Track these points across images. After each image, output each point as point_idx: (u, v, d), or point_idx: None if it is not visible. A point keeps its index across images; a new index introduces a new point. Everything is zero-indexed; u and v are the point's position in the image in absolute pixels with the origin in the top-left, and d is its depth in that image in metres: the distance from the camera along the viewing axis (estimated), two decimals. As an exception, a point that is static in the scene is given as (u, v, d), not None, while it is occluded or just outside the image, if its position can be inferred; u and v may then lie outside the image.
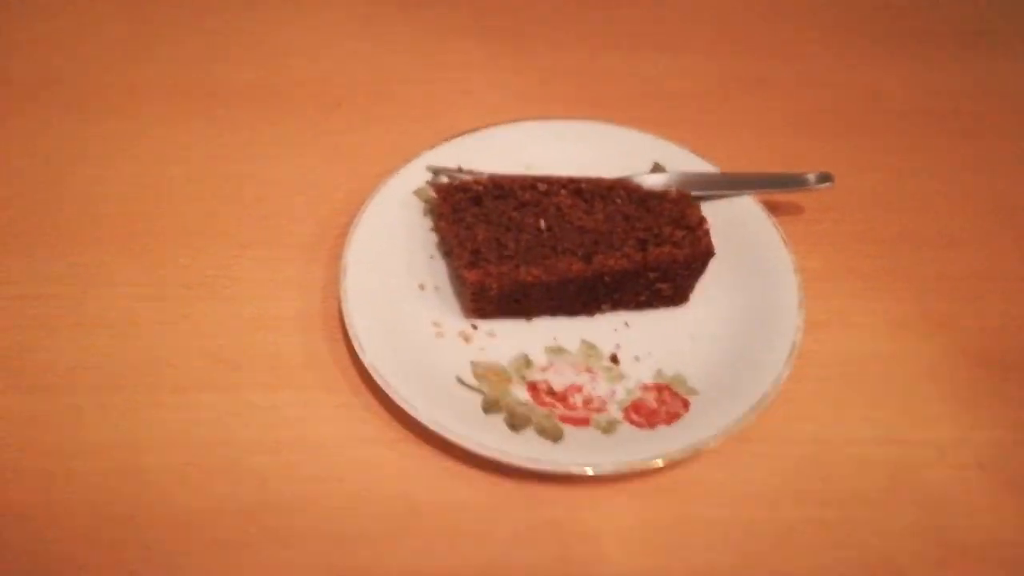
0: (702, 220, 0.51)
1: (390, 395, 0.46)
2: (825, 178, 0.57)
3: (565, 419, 0.47)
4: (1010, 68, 0.74)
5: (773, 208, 0.57)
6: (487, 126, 0.60)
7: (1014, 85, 0.72)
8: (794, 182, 0.58)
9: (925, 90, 0.71)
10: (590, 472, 0.44)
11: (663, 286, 0.51)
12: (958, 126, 0.68)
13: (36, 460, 0.46)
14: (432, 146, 0.58)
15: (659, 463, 0.44)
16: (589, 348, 0.51)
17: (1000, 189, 0.64)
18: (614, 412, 0.48)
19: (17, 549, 0.43)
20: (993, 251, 0.59)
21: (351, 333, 0.48)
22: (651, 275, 0.50)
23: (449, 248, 0.54)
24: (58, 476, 0.45)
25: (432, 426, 0.44)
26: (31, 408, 0.48)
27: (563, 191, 0.53)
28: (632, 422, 0.47)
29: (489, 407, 0.47)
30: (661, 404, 0.48)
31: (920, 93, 0.71)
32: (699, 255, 0.50)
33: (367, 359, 0.47)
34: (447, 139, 0.59)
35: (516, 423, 0.46)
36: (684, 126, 0.66)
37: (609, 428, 0.47)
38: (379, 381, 0.46)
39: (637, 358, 0.51)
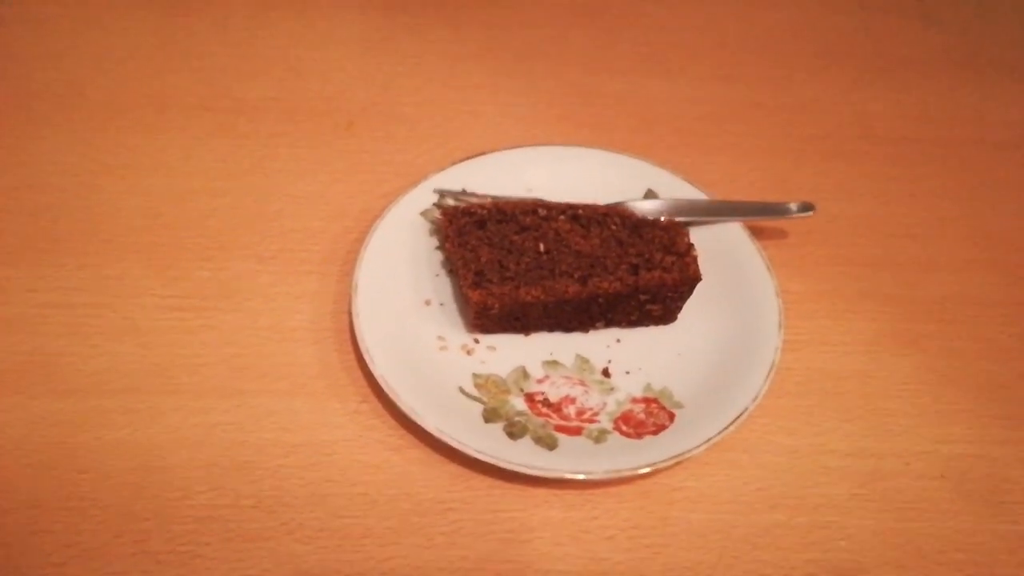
0: (690, 247, 0.54)
1: (398, 404, 0.49)
2: (807, 207, 0.61)
3: (560, 428, 0.51)
4: (994, 97, 0.77)
5: (758, 232, 0.61)
6: (491, 150, 0.63)
7: (997, 114, 0.75)
8: (777, 211, 0.61)
9: (911, 118, 0.74)
10: (582, 478, 0.47)
11: (653, 307, 0.54)
12: (940, 153, 0.71)
13: (69, 458, 0.49)
14: (439, 169, 0.61)
15: (646, 470, 0.48)
16: (583, 362, 0.55)
17: (979, 216, 0.67)
18: (605, 423, 0.51)
19: (53, 540, 0.46)
20: (967, 276, 0.63)
21: (362, 347, 0.51)
22: (642, 297, 0.53)
23: (454, 267, 0.57)
24: (89, 473, 0.48)
25: (436, 433, 0.48)
26: (61, 410, 0.51)
27: (562, 216, 0.55)
28: (621, 432, 0.51)
29: (489, 416, 0.51)
30: (649, 416, 0.52)
31: (906, 121, 0.74)
32: (687, 280, 0.53)
33: (377, 371, 0.50)
34: (453, 163, 0.62)
35: (514, 432, 0.50)
36: (679, 149, 0.69)
37: (600, 437, 0.50)
38: (388, 392, 0.49)
39: (627, 372, 0.54)
